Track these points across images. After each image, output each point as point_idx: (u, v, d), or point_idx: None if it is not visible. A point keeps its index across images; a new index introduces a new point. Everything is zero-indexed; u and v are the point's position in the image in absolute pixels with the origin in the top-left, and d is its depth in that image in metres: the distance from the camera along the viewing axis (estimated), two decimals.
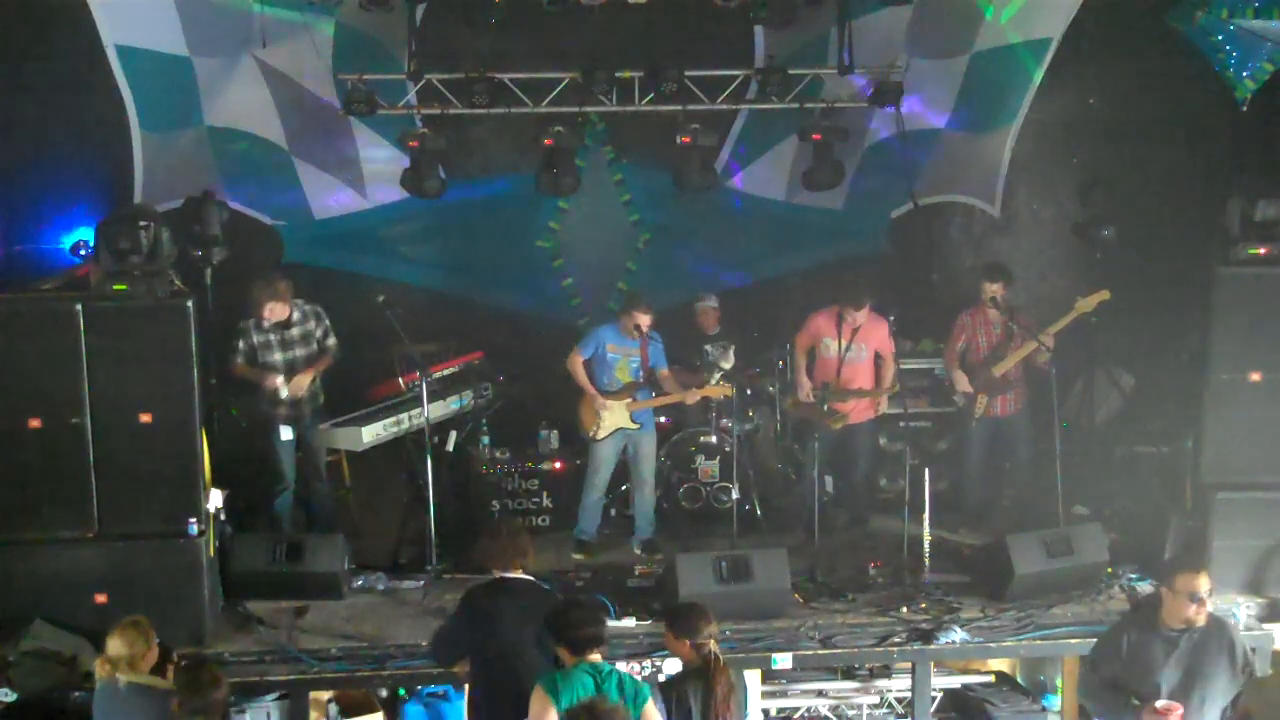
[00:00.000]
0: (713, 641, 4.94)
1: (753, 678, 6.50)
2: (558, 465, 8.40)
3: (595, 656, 4.81)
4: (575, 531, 7.90)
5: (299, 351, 7.60)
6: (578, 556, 7.79)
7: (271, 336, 7.51)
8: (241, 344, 7.48)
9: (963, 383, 8.13)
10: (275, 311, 7.43)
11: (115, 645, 5.18)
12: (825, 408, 7.77)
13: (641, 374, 7.74)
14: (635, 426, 7.75)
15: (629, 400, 7.72)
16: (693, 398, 7.84)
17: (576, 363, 7.73)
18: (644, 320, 7.60)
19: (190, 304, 6.33)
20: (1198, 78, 8.00)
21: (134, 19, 7.72)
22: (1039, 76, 8.70)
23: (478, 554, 5.72)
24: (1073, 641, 6.56)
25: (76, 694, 5.89)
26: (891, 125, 9.37)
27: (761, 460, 8.83)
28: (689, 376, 8.52)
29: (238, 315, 7.54)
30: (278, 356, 7.54)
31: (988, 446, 8.22)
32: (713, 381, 8.46)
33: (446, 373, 7.87)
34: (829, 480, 8.20)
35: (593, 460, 7.83)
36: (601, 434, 7.73)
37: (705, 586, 6.57)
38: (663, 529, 8.09)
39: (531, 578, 5.49)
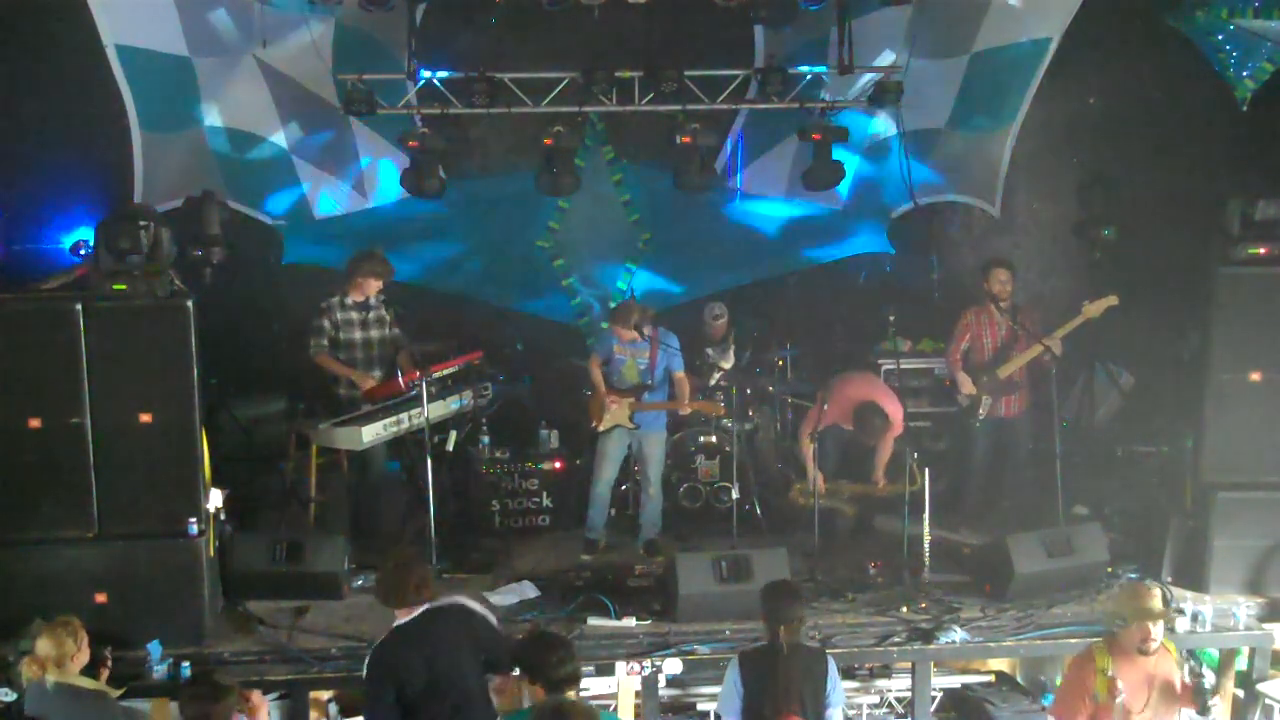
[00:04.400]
0: (784, 628, 5.02)
1: None
2: (558, 465, 8.40)
3: (571, 694, 4.64)
4: (586, 528, 7.91)
5: (374, 333, 7.79)
6: (586, 558, 7.79)
7: (354, 314, 7.72)
8: (326, 322, 7.63)
9: (967, 384, 8.12)
10: (369, 288, 7.67)
11: (43, 645, 5.24)
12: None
13: (649, 375, 7.76)
14: (633, 427, 7.77)
15: (631, 400, 7.74)
16: (686, 409, 7.86)
17: (595, 366, 7.85)
18: (625, 335, 7.63)
19: (190, 304, 6.32)
20: (1198, 78, 8.00)
21: (134, 19, 7.72)
22: (1039, 76, 8.70)
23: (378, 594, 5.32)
24: (1073, 641, 6.56)
25: None
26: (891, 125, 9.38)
27: (761, 460, 8.83)
28: (689, 380, 8.53)
29: (238, 315, 7.55)
30: (357, 335, 7.73)
31: (991, 447, 8.21)
32: (712, 381, 8.48)
33: (446, 373, 7.87)
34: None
35: (598, 452, 7.89)
36: (602, 427, 7.78)
37: (705, 586, 6.58)
38: (663, 529, 8.09)
39: (430, 606, 5.10)
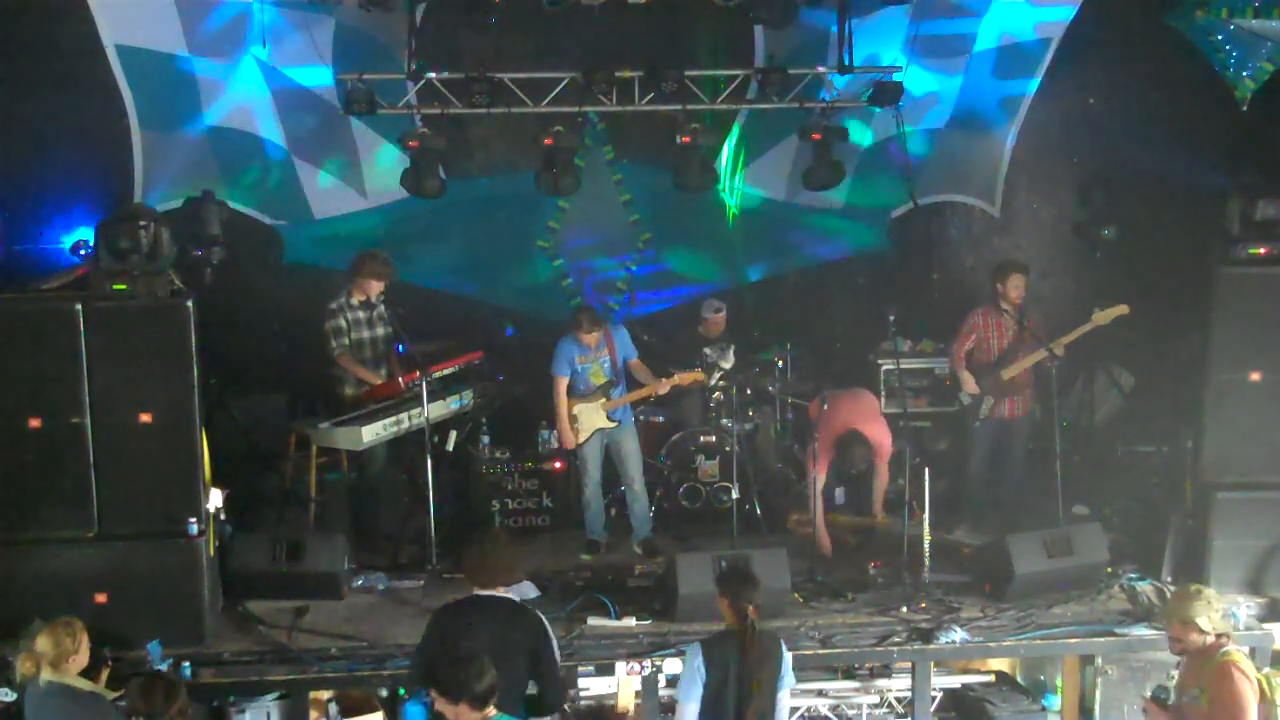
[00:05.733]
0: (751, 609, 5.06)
1: None
2: (558, 465, 8.40)
3: (489, 711, 4.44)
4: (587, 531, 7.93)
5: (379, 331, 7.88)
6: (586, 558, 7.80)
7: (360, 314, 7.81)
8: (343, 322, 7.71)
9: (970, 384, 8.09)
10: (373, 289, 7.75)
11: (42, 642, 5.25)
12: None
13: (613, 372, 7.78)
14: (613, 424, 7.79)
15: (603, 400, 7.74)
16: (664, 388, 7.85)
17: (561, 387, 7.78)
18: (591, 339, 7.66)
19: (190, 304, 6.32)
20: (1198, 78, 8.01)
21: (134, 19, 7.73)
22: (1039, 76, 8.70)
23: (463, 567, 5.55)
24: (1073, 641, 6.57)
25: None
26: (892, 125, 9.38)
27: (761, 460, 8.83)
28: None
29: (238, 315, 7.54)
30: (365, 334, 7.82)
31: (992, 447, 8.20)
32: (712, 382, 8.46)
33: (446, 373, 7.88)
34: (840, 492, 8.18)
35: (580, 462, 7.90)
36: (582, 438, 7.81)
37: (705, 586, 6.55)
38: (663, 529, 8.10)
39: (510, 596, 5.26)
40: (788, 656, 5.25)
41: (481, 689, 4.40)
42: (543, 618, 5.24)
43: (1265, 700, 5.10)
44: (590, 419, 7.78)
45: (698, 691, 5.06)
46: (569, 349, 7.76)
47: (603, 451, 7.87)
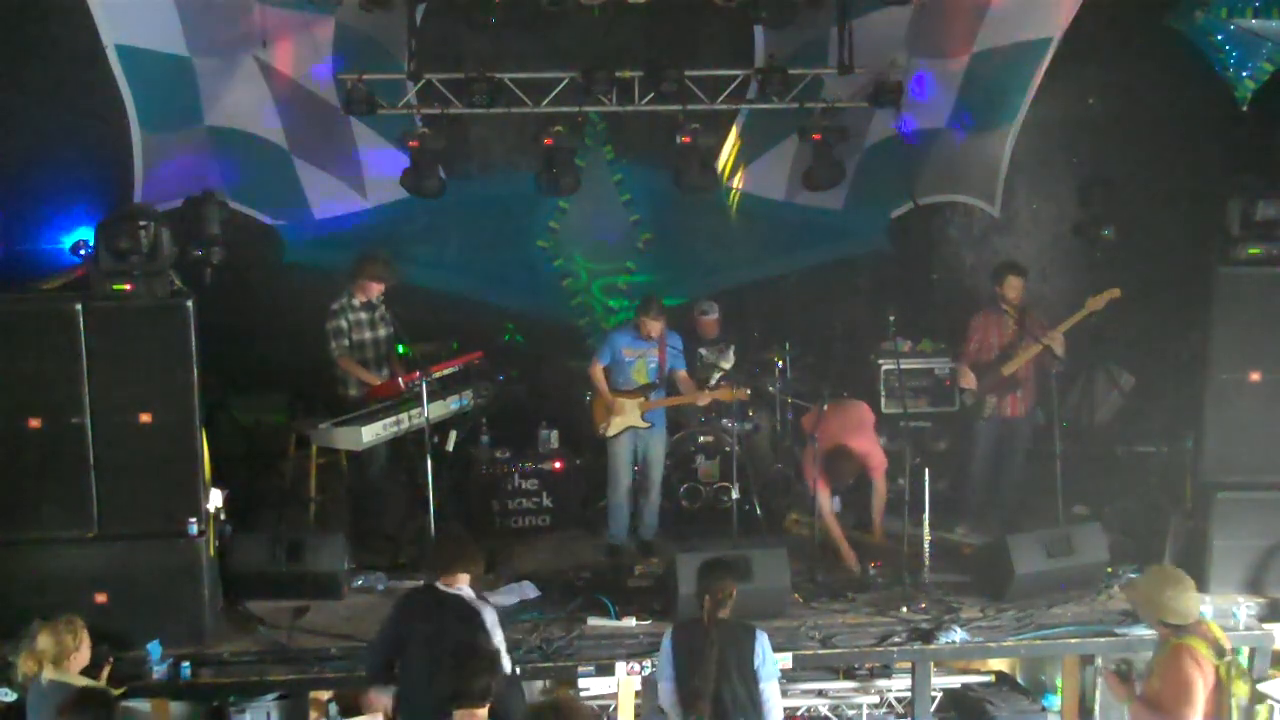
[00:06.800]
0: (708, 599, 5.22)
1: None
2: (558, 465, 8.40)
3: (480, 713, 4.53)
4: (608, 535, 7.92)
5: (381, 332, 7.87)
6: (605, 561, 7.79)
7: (363, 315, 7.79)
8: (344, 323, 7.68)
9: (966, 377, 8.08)
10: (373, 290, 7.75)
11: (43, 640, 5.29)
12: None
13: (658, 375, 7.77)
14: (646, 426, 7.78)
15: (641, 400, 7.74)
16: (704, 400, 7.87)
17: (597, 370, 7.78)
18: (654, 328, 7.64)
19: (190, 304, 6.32)
20: (1198, 78, 8.00)
21: (134, 19, 7.72)
22: (1039, 76, 8.70)
23: (427, 559, 5.63)
24: (1073, 641, 6.57)
25: None
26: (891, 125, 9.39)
27: (761, 460, 8.83)
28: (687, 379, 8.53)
29: (238, 315, 7.54)
30: (368, 335, 7.80)
31: (994, 446, 8.19)
32: (712, 381, 8.48)
33: (446, 373, 7.88)
34: (836, 500, 8.17)
35: (611, 460, 7.86)
36: (611, 431, 7.76)
37: None
38: (663, 529, 8.09)
39: (467, 594, 5.31)
40: (765, 648, 5.30)
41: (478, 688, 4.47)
42: (488, 616, 5.25)
43: (1221, 689, 5.04)
44: (624, 417, 7.75)
45: (670, 672, 5.27)
46: (619, 338, 7.79)
47: (634, 456, 7.84)
